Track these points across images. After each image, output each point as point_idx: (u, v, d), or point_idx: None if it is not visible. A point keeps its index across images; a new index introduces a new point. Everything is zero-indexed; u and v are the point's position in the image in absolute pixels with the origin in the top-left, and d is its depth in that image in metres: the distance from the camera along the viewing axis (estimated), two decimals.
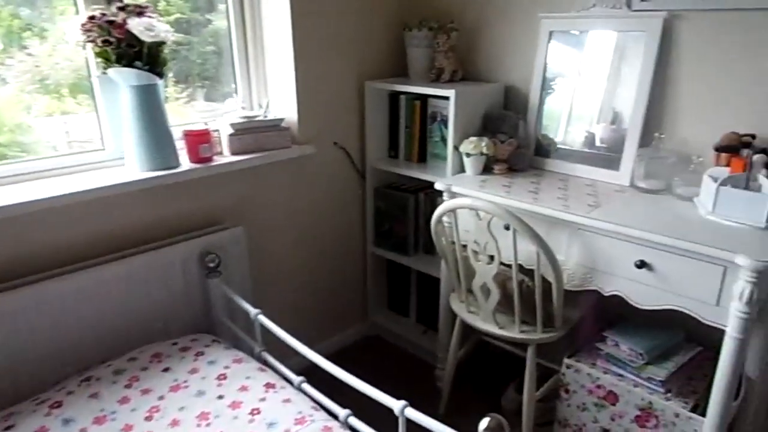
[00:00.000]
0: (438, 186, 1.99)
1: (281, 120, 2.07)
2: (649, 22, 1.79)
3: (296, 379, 1.57)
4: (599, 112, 1.99)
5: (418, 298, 2.54)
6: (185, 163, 1.84)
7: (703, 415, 1.56)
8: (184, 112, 2.07)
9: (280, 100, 2.16)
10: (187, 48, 2.01)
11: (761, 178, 1.51)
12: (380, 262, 2.60)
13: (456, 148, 2.07)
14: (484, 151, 2.00)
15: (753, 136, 1.62)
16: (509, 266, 1.73)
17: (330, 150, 2.30)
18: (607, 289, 1.63)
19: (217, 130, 1.98)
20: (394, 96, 2.35)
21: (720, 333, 1.47)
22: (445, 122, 2.21)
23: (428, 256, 2.40)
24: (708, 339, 1.84)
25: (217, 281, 1.86)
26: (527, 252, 1.72)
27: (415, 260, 2.39)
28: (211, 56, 2.10)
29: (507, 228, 1.80)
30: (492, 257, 1.73)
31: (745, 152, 1.59)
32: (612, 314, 2.03)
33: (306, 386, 1.56)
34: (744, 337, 1.38)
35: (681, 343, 1.78)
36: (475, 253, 1.78)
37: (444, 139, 2.23)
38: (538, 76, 2.10)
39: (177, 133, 1.84)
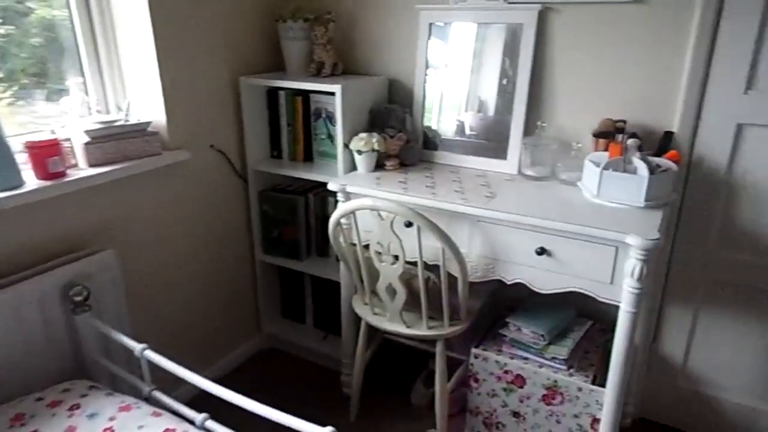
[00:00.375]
0: (332, 186, 1.89)
1: (147, 123, 1.82)
2: (525, 14, 1.84)
3: (198, 417, 1.39)
4: (467, 100, 2.03)
5: (315, 303, 2.43)
6: (31, 180, 1.54)
7: (602, 385, 1.67)
8: (22, 121, 1.73)
9: (143, 100, 1.90)
10: (4, 39, 1.66)
11: (636, 161, 1.62)
12: (271, 269, 2.44)
13: (346, 145, 1.99)
14: (376, 147, 1.94)
15: (624, 122, 1.75)
16: (413, 264, 1.70)
17: (206, 154, 2.08)
18: (510, 278, 1.66)
19: (68, 139, 1.68)
20: (273, 92, 2.20)
21: (607, 306, 1.57)
22: (330, 118, 2.11)
23: (323, 259, 2.30)
24: (597, 313, 1.98)
25: (87, 316, 1.59)
26: (431, 248, 1.70)
27: (309, 264, 2.28)
28: (39, 49, 1.76)
29: (408, 225, 1.76)
30: (396, 257, 1.69)
31: (620, 137, 1.70)
32: (509, 299, 2.10)
33: (211, 423, 1.38)
34: (637, 311, 1.48)
35: (574, 320, 1.89)
36: (379, 254, 1.72)
37: (331, 136, 2.13)
38: (421, 69, 2.08)
39: (17, 146, 1.53)
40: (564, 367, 1.73)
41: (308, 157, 2.23)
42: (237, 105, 2.16)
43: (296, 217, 2.23)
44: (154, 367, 1.49)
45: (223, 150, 2.14)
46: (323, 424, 1.18)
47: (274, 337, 2.49)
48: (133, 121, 1.80)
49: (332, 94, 2.00)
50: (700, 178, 1.73)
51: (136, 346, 1.49)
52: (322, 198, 2.21)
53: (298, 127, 2.18)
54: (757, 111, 1.60)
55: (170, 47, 1.86)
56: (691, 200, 1.76)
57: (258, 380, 2.30)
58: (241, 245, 2.33)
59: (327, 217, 2.21)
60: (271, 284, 2.48)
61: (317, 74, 2.15)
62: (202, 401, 1.45)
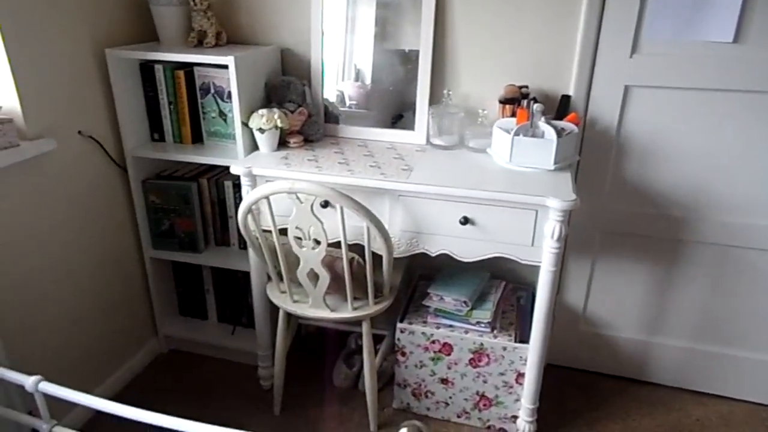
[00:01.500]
0: (235, 170, 1.72)
1: None
2: None
3: None
4: (369, 70, 1.96)
5: (217, 296, 2.24)
6: None
7: (523, 341, 1.75)
8: None
9: None
10: None
11: (542, 125, 1.68)
12: (163, 265, 2.20)
13: (245, 123, 1.81)
14: (279, 124, 1.79)
15: (527, 87, 1.80)
16: (334, 245, 1.62)
17: (75, 142, 1.78)
18: (434, 250, 1.66)
19: None
20: (148, 67, 1.93)
21: (517, 264, 1.64)
22: (220, 94, 1.91)
23: (223, 249, 2.11)
24: (508, 272, 2.07)
25: None
26: (353, 228, 1.63)
27: (208, 256, 2.08)
28: None
29: (324, 206, 1.67)
30: (318, 241, 1.59)
31: (524, 102, 1.75)
32: (422, 268, 2.12)
33: None
34: (557, 269, 1.56)
35: (490, 282, 1.95)
36: (298, 239, 1.61)
37: (223, 114, 1.93)
38: (317, 37, 1.95)
39: None
40: (489, 330, 1.78)
41: (197, 139, 2.00)
42: (105, 82, 1.86)
43: (190, 205, 2.01)
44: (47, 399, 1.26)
45: (94, 136, 1.84)
46: (246, 425, 1.08)
47: (173, 338, 2.27)
48: None
49: (223, 67, 1.80)
50: (594, 137, 1.85)
51: (27, 380, 1.24)
52: (219, 182, 2.02)
53: (183, 106, 1.95)
54: (640, 73, 1.74)
55: (14, 18, 1.52)
56: (587, 158, 1.88)
57: (163, 388, 2.08)
58: (126, 242, 2.05)
59: (224, 203, 2.04)
60: (165, 281, 2.24)
61: (199, 44, 1.92)
62: (99, 424, 1.26)
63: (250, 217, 1.64)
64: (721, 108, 1.72)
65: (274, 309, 1.89)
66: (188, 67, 1.92)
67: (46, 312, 1.73)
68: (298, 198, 1.54)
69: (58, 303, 1.78)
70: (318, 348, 2.30)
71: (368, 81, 1.97)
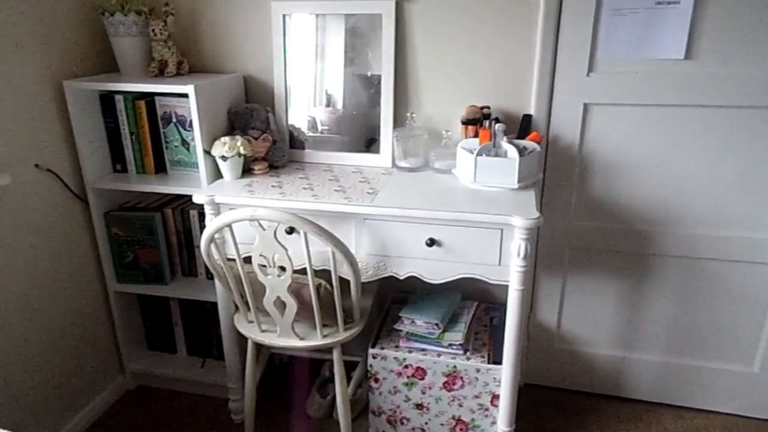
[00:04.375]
0: (197, 199, 1.69)
1: None
2: (383, 3, 1.81)
3: None
4: (332, 95, 1.96)
5: (186, 328, 2.19)
6: None
7: (497, 362, 1.73)
8: None
9: None
10: None
11: (505, 145, 1.69)
12: (128, 299, 2.14)
13: (207, 152, 1.79)
14: (242, 151, 1.78)
15: (489, 108, 1.81)
16: (300, 272, 1.59)
17: (32, 175, 1.73)
18: (402, 273, 1.64)
19: None
20: (109, 97, 1.90)
21: (488, 285, 1.63)
22: (182, 123, 1.89)
23: (190, 279, 2.07)
24: (479, 292, 2.06)
25: None
26: (318, 253, 1.61)
27: (175, 288, 2.03)
28: None
29: (289, 232, 1.65)
30: (283, 268, 1.56)
31: (486, 123, 1.76)
32: (395, 291, 2.10)
33: None
34: (524, 288, 1.55)
35: (461, 303, 1.94)
36: (263, 266, 1.58)
37: (186, 143, 1.91)
38: (279, 63, 1.95)
39: None
40: (461, 352, 1.76)
41: (161, 168, 1.98)
42: (64, 114, 1.83)
43: (154, 236, 1.97)
44: None
45: (52, 169, 1.80)
46: None
47: (141, 374, 2.20)
48: None
49: (184, 96, 1.79)
50: (558, 155, 1.86)
51: None
52: (184, 212, 1.98)
53: (145, 136, 1.92)
54: (598, 91, 1.77)
55: None
56: (551, 176, 1.90)
57: (130, 427, 2.01)
58: (88, 277, 1.99)
59: (190, 233, 2.01)
60: (131, 315, 2.18)
61: (160, 74, 1.91)
62: None
63: (213, 246, 1.61)
64: (678, 123, 1.75)
65: (243, 340, 1.84)
66: (149, 96, 1.90)
67: (3, 351, 1.66)
68: (260, 225, 1.51)
69: (18, 342, 1.71)
70: (291, 378, 2.25)
71: (339, 106, 1.96)
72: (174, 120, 1.90)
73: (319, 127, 2.00)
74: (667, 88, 1.71)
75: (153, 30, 1.87)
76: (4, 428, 1.17)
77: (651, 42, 1.67)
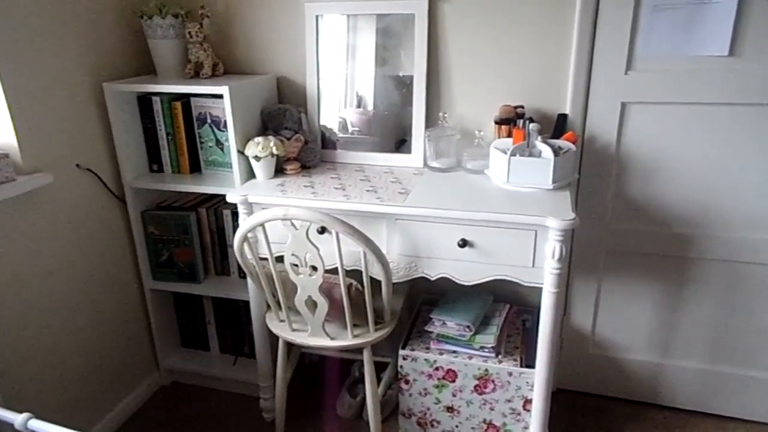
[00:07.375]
0: (231, 198, 1.71)
1: None
2: (416, 3, 1.80)
3: None
4: (365, 95, 1.96)
5: (218, 326, 2.22)
6: None
7: (529, 365, 1.70)
8: None
9: None
10: None
11: (539, 145, 1.66)
12: (163, 296, 2.18)
13: (240, 152, 1.81)
14: (275, 151, 1.79)
15: (522, 107, 1.78)
16: (332, 272, 1.59)
17: (73, 175, 1.78)
18: (434, 274, 1.63)
19: None
20: (146, 99, 1.94)
21: (520, 287, 1.60)
22: (217, 124, 1.92)
23: (223, 278, 2.10)
24: (512, 295, 2.03)
25: None
26: (351, 253, 1.61)
27: (208, 286, 2.06)
28: None
29: (321, 232, 1.66)
30: (315, 267, 1.57)
31: (520, 122, 1.73)
32: (425, 293, 2.08)
33: None
34: (559, 290, 1.52)
35: (493, 305, 1.91)
36: (295, 266, 1.59)
37: (220, 143, 1.94)
38: (312, 65, 1.96)
39: None
40: (493, 355, 1.73)
41: (195, 168, 2.01)
42: (104, 115, 1.88)
43: (189, 235, 2.01)
44: None
45: (92, 168, 1.85)
46: None
47: (175, 370, 2.24)
48: None
49: (218, 96, 1.81)
50: (594, 155, 1.82)
51: (16, 418, 1.21)
52: (217, 211, 2.01)
53: (181, 136, 1.96)
54: (636, 90, 1.72)
55: (12, 52, 1.55)
56: (587, 177, 1.85)
57: (164, 422, 2.05)
58: (126, 274, 2.04)
59: (224, 232, 2.03)
60: (166, 313, 2.22)
61: (196, 76, 1.94)
62: None
63: (246, 245, 1.62)
64: (720, 121, 1.69)
65: (274, 339, 1.86)
66: (185, 98, 1.93)
67: (43, 347, 1.72)
68: (293, 224, 1.52)
69: (56, 337, 1.76)
70: (322, 377, 2.26)
71: (370, 107, 1.96)
72: (209, 121, 1.93)
73: (350, 128, 2.01)
74: (710, 86, 1.65)
75: (189, 32, 1.90)
76: (44, 417, 1.20)
77: (693, 38, 1.62)
